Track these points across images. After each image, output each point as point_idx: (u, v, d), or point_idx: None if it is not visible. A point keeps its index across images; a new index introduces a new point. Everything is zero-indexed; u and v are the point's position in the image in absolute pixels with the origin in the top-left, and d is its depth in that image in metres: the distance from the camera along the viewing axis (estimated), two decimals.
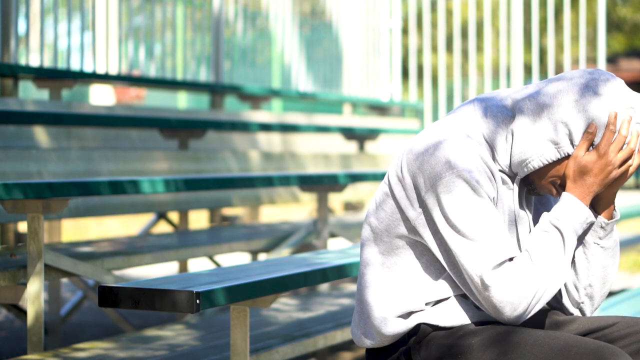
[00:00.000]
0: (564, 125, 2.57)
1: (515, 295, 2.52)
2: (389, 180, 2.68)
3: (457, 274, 2.60)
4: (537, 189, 2.68)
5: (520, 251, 2.68)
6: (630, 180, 25.41)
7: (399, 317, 2.66)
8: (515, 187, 2.67)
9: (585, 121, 2.56)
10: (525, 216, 2.71)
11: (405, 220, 2.64)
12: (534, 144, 2.60)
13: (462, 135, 2.60)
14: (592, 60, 22.29)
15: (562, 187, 2.66)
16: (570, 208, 2.60)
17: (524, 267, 2.54)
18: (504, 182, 2.66)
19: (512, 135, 2.63)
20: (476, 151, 2.59)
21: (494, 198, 2.60)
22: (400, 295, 2.66)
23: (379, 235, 2.69)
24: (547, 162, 2.61)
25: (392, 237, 2.67)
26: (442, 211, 2.55)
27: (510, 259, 2.55)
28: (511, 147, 2.64)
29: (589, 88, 2.59)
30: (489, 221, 2.54)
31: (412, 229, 2.64)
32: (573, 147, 2.59)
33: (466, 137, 2.60)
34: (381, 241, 2.69)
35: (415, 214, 2.61)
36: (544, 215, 2.62)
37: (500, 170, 2.65)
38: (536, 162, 2.61)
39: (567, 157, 2.61)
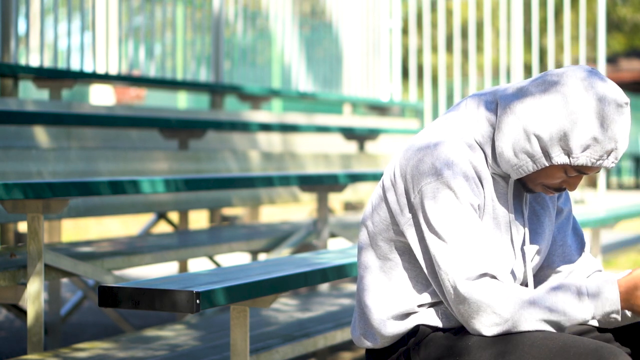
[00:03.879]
0: (537, 138, 2.55)
1: (486, 313, 2.51)
2: (383, 184, 2.68)
3: (436, 282, 2.60)
4: (531, 189, 2.68)
5: (514, 254, 2.67)
6: (631, 181, 25.41)
7: (398, 319, 2.66)
8: (510, 189, 2.66)
9: (557, 134, 2.52)
10: (521, 219, 2.69)
11: (396, 224, 2.64)
12: (512, 155, 2.57)
13: (452, 139, 2.59)
14: (592, 60, 22.30)
15: (554, 190, 2.63)
16: (607, 293, 2.54)
17: (510, 293, 2.52)
18: (498, 184, 2.65)
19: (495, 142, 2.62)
20: (465, 156, 2.57)
21: (479, 205, 2.58)
22: (399, 298, 2.66)
23: (375, 239, 2.69)
24: (525, 173, 2.59)
25: (386, 242, 2.67)
26: (425, 217, 2.55)
27: (493, 276, 2.53)
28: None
29: (560, 103, 2.53)
30: (470, 229, 2.53)
31: (402, 233, 2.64)
32: (549, 159, 2.55)
33: (456, 142, 2.58)
34: (377, 245, 2.69)
35: (404, 220, 2.61)
36: (579, 279, 2.60)
37: (494, 173, 2.64)
38: (515, 174, 2.60)
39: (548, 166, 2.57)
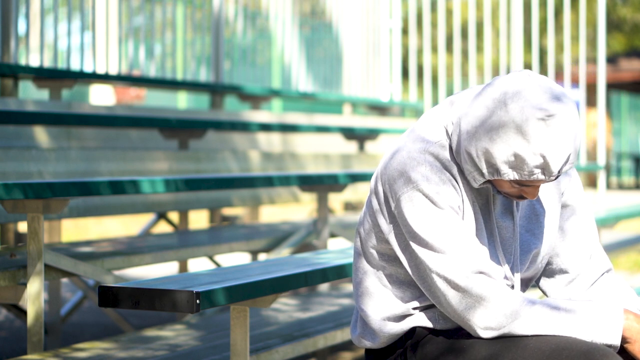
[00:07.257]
0: (468, 155, 2.48)
1: (483, 309, 2.51)
2: (369, 192, 2.67)
3: (426, 288, 2.58)
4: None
5: (500, 259, 2.64)
6: (631, 181, 25.40)
7: (394, 320, 2.67)
8: (490, 193, 2.62)
9: (481, 151, 2.44)
10: (511, 222, 2.66)
11: (382, 232, 2.63)
12: (464, 167, 2.53)
13: (427, 145, 2.55)
14: (592, 60, 22.30)
15: (516, 197, 2.55)
16: (611, 320, 2.51)
17: (508, 291, 2.51)
18: (480, 188, 2.60)
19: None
20: (439, 161, 2.54)
21: (459, 207, 2.55)
22: (395, 301, 2.66)
23: (367, 245, 2.69)
24: (477, 186, 2.54)
25: (376, 248, 2.66)
26: (407, 227, 2.53)
27: (488, 275, 2.51)
28: None
29: (481, 118, 2.44)
30: (456, 233, 2.50)
31: (387, 241, 2.63)
32: (482, 175, 2.47)
33: (431, 148, 2.55)
34: (369, 251, 2.68)
35: (388, 229, 2.60)
36: (592, 300, 2.62)
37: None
38: (472, 184, 2.56)
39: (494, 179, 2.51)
